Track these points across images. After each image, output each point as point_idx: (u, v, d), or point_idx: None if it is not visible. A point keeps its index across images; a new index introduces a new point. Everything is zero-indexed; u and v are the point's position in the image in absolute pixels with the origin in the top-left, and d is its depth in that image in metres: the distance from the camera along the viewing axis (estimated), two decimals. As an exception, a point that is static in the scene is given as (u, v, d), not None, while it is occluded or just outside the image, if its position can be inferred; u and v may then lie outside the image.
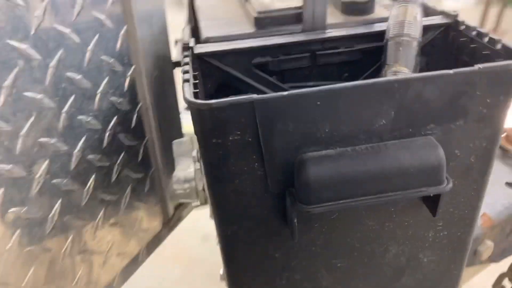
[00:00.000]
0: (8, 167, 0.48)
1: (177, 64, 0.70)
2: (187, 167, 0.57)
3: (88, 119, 0.59)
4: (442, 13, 0.61)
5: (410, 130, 0.47)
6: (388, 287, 0.62)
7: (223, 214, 0.51)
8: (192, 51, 0.55)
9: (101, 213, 0.65)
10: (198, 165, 0.56)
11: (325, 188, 0.46)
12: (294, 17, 0.61)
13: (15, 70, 0.47)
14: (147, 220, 0.76)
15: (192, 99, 0.43)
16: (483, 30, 0.54)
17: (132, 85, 0.66)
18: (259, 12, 0.61)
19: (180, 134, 0.80)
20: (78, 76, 0.56)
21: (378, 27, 0.60)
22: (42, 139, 0.52)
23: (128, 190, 0.70)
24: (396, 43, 0.54)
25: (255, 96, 0.43)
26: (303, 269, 0.57)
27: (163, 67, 0.72)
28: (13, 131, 0.49)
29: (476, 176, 0.53)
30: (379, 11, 0.64)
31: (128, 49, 0.63)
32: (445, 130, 0.48)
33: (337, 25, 0.61)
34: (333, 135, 0.46)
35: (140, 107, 0.68)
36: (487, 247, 0.81)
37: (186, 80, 0.48)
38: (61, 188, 0.57)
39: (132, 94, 0.66)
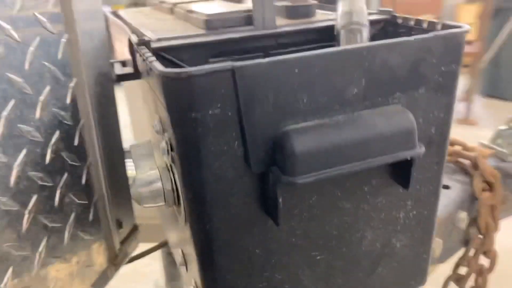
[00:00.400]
0: None
1: (121, 77, 0.67)
2: (149, 169, 0.52)
3: (29, 129, 0.52)
4: (379, 10, 0.66)
5: (380, 99, 0.49)
6: (365, 281, 0.60)
7: (201, 206, 0.47)
8: (149, 46, 0.53)
9: (44, 242, 0.56)
10: (163, 164, 0.52)
11: (311, 158, 0.44)
12: (244, 19, 0.62)
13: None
14: (92, 255, 0.67)
15: (169, 70, 0.41)
16: (420, 18, 0.59)
17: (75, 99, 0.60)
18: (209, 15, 0.61)
19: (123, 161, 0.74)
20: (19, 79, 0.50)
21: (325, 23, 0.63)
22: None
23: (72, 218, 0.61)
24: (347, 31, 0.57)
25: (235, 63, 0.41)
26: (284, 267, 0.54)
27: (105, 85, 0.67)
28: None
29: (436, 149, 0.56)
30: (319, 15, 0.68)
31: (70, 59, 0.59)
32: (409, 99, 0.50)
33: (286, 25, 0.62)
34: (311, 106, 0.46)
35: (83, 125, 0.62)
36: (438, 243, 0.84)
37: (153, 61, 0.45)
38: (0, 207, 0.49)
39: (75, 109, 0.61)
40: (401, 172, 0.53)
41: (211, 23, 0.61)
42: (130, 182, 0.74)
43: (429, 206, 0.60)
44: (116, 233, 0.72)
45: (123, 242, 0.75)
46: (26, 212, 0.53)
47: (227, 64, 0.41)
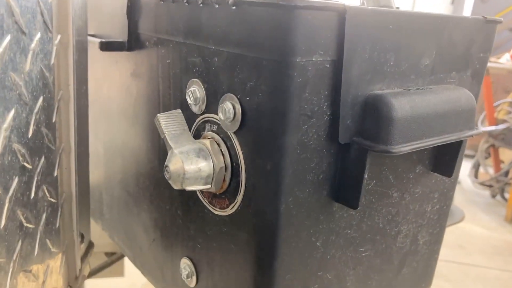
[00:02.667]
0: None
1: (107, 46, 0.53)
2: (188, 143, 0.41)
3: (20, 83, 0.38)
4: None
5: (441, 75, 0.47)
6: (391, 283, 0.55)
7: (276, 183, 0.37)
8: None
9: (18, 247, 0.40)
10: (207, 142, 0.41)
11: (406, 126, 0.39)
12: None
13: None
14: (55, 272, 0.50)
15: (280, -2, 0.33)
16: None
17: (58, 60, 0.46)
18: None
19: (88, 158, 0.59)
20: (19, 19, 0.36)
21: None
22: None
23: (43, 219, 0.45)
24: (377, 16, 0.55)
25: (347, 4, 0.35)
26: (335, 265, 0.46)
27: (83, 53, 0.53)
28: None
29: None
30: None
31: (58, 11, 0.45)
32: (460, 80, 0.49)
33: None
34: (394, 70, 0.41)
35: (61, 97, 0.48)
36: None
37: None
38: (-17, 185, 0.33)
39: (57, 72, 0.46)
40: (445, 157, 0.51)
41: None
42: (153, 161, 0.59)
43: (448, 200, 0.58)
44: (78, 248, 0.55)
45: (82, 261, 0.58)
46: (7, 199, 0.37)
47: (339, 3, 0.35)
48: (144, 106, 0.53)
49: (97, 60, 0.62)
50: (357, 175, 0.40)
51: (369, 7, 0.37)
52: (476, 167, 2.92)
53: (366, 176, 0.40)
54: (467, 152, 3.21)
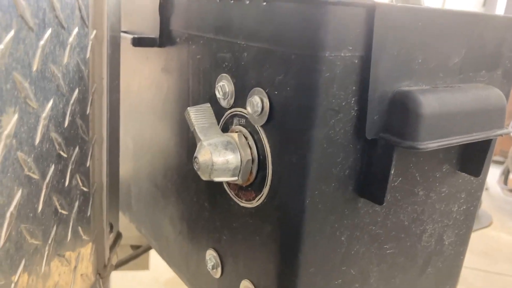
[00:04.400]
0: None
1: (139, 42, 0.55)
2: (216, 136, 0.42)
3: (58, 75, 0.40)
4: None
5: (470, 74, 0.46)
6: (415, 283, 0.55)
7: (303, 176, 0.38)
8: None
9: (53, 232, 0.42)
10: (235, 135, 0.42)
11: (434, 123, 0.39)
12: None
13: None
14: (85, 260, 0.52)
15: (311, -7, 0.33)
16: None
17: (93, 54, 0.48)
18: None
19: (118, 149, 0.61)
20: (59, 14, 0.38)
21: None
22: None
23: (76, 208, 0.47)
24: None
25: (376, 1, 0.36)
26: (359, 260, 0.46)
27: (116, 48, 0.55)
28: None
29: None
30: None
31: (93, 7, 0.47)
32: (490, 79, 0.49)
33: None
34: (422, 68, 0.41)
35: (95, 90, 0.49)
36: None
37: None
38: (23, 170, 0.35)
39: (92, 66, 0.48)
40: (473, 157, 0.50)
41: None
42: (182, 154, 0.60)
43: (475, 201, 0.58)
44: (107, 237, 0.57)
45: (110, 250, 0.60)
46: (44, 185, 0.39)
47: (369, 0, 0.35)
48: (174, 100, 0.55)
49: (129, 56, 0.64)
50: (383, 171, 0.40)
51: (399, 4, 0.37)
52: (505, 174, 2.85)
53: (392, 172, 0.40)
54: (496, 158, 3.14)
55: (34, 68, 0.35)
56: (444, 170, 0.50)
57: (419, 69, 0.41)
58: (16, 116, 0.33)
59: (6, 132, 0.31)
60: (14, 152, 0.33)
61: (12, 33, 0.31)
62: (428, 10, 0.40)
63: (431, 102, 0.39)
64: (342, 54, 0.35)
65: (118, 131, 0.58)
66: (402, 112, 0.39)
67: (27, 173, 0.35)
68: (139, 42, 0.54)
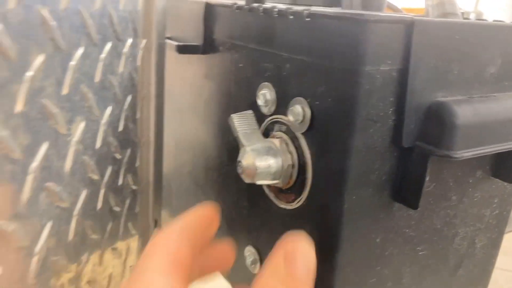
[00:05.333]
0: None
1: (183, 49, 0.58)
2: (258, 141, 0.45)
3: (115, 83, 0.43)
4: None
5: (506, 83, 0.48)
6: (446, 283, 0.57)
7: (341, 182, 0.40)
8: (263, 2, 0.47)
9: (109, 227, 0.45)
10: (276, 141, 0.45)
11: (469, 132, 0.41)
12: (332, 1, 0.59)
13: None
14: (132, 254, 0.55)
15: (356, 12, 0.36)
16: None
17: (143, 61, 0.51)
18: (297, -11, 0.57)
19: (162, 149, 0.64)
20: (117, 26, 0.41)
21: (408, 15, 0.61)
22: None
23: (127, 205, 0.51)
24: (442, 22, 0.56)
25: (415, 17, 0.38)
26: (393, 261, 0.48)
27: (161, 56, 0.59)
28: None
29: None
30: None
31: (144, 15, 0.51)
32: (525, 88, 0.50)
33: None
34: (458, 79, 0.43)
35: (144, 96, 0.53)
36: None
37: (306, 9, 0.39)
38: (87, 172, 0.38)
39: (142, 73, 0.52)
40: (507, 163, 0.51)
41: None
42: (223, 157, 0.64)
43: (508, 206, 0.59)
44: (152, 231, 0.61)
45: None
46: (102, 185, 0.42)
47: (407, 16, 0.37)
48: (215, 105, 0.58)
49: (171, 61, 0.67)
50: (418, 177, 0.42)
51: (437, 19, 0.39)
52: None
53: (427, 179, 0.42)
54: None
55: (97, 79, 0.38)
56: (477, 176, 0.52)
57: (455, 80, 0.43)
58: (83, 124, 0.36)
59: (75, 139, 0.35)
60: (80, 156, 0.37)
61: (81, 50, 0.34)
62: (465, 24, 0.42)
63: (466, 112, 0.41)
64: (382, 68, 0.37)
65: (162, 133, 0.62)
66: (437, 122, 0.41)
67: (90, 174, 0.39)
68: (183, 49, 0.57)
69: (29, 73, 0.27)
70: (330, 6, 0.59)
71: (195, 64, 0.61)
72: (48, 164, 0.31)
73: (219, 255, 0.38)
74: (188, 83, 0.64)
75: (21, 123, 0.27)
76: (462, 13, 0.63)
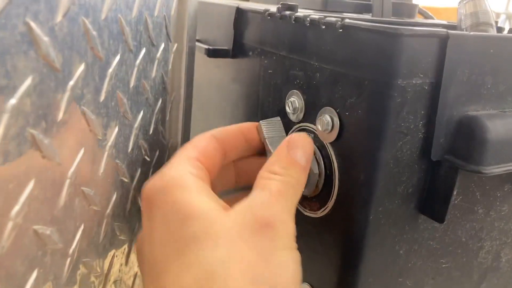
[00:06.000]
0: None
1: (214, 53, 0.59)
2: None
3: (148, 88, 0.44)
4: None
5: (539, 98, 0.47)
6: (469, 297, 0.56)
7: (369, 193, 0.41)
8: (296, 10, 0.47)
9: (136, 228, 0.46)
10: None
11: (500, 148, 0.41)
12: (361, 6, 0.58)
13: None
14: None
15: (390, 25, 0.36)
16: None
17: (173, 66, 0.52)
18: (328, -4, 0.57)
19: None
20: (151, 32, 0.42)
21: (440, 22, 0.61)
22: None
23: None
24: (475, 32, 0.55)
25: (449, 31, 0.37)
26: (416, 273, 0.48)
27: (192, 59, 0.59)
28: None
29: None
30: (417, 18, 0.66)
31: (177, 19, 0.51)
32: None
33: (401, 19, 0.60)
34: (491, 93, 0.43)
35: (173, 99, 0.54)
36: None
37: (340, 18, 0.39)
38: (118, 175, 0.39)
39: (172, 76, 0.52)
40: (534, 179, 0.51)
41: (331, 5, 0.56)
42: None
43: (536, 220, 0.58)
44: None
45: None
46: (132, 187, 0.43)
47: (442, 30, 0.37)
48: (243, 109, 0.58)
49: (200, 62, 0.68)
50: (446, 191, 0.42)
51: (471, 33, 0.39)
52: None
53: (455, 193, 0.42)
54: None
55: (131, 85, 0.39)
56: (505, 189, 0.51)
57: (487, 94, 0.42)
58: (117, 129, 0.37)
59: (109, 144, 0.36)
60: (113, 160, 0.37)
61: (118, 57, 0.35)
62: (500, 38, 0.41)
63: (497, 127, 0.40)
64: (414, 82, 0.37)
65: (189, 135, 0.62)
66: (468, 137, 0.40)
67: (121, 177, 0.40)
68: (213, 53, 0.57)
69: (71, 82, 0.28)
70: (361, 12, 0.59)
71: (223, 67, 0.62)
72: (84, 169, 0.31)
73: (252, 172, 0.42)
74: (215, 85, 0.65)
75: (62, 131, 0.28)
76: (496, 23, 0.62)
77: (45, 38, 0.24)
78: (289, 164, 0.38)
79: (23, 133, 0.24)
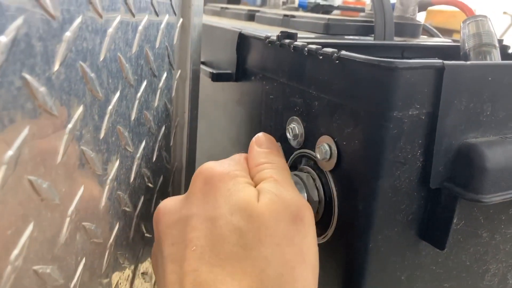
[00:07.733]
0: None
1: (218, 77, 0.60)
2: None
3: (150, 118, 0.45)
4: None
5: (542, 122, 0.47)
6: (475, 319, 0.56)
7: (368, 221, 0.41)
8: (295, 39, 0.48)
9: (140, 253, 0.47)
10: (304, 175, 0.46)
11: (499, 176, 0.40)
12: (363, 28, 0.59)
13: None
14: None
15: (385, 59, 0.36)
16: None
17: (177, 92, 0.53)
18: (329, 19, 0.57)
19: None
20: (151, 57, 0.43)
21: (444, 43, 0.61)
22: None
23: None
24: (477, 53, 0.55)
25: (445, 62, 0.37)
26: (419, 298, 0.48)
27: (196, 83, 0.60)
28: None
29: None
30: (421, 38, 0.66)
31: (180, 47, 0.52)
32: None
33: (403, 41, 0.60)
34: (490, 120, 0.42)
35: (177, 124, 0.55)
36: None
37: (338, 51, 0.40)
38: (120, 206, 0.40)
39: (176, 103, 0.53)
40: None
41: (333, 28, 0.57)
42: None
43: (544, 242, 0.57)
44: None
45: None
46: (135, 216, 0.44)
47: (437, 61, 0.37)
48: (246, 131, 0.59)
49: (205, 85, 0.69)
50: (446, 219, 0.42)
51: (467, 63, 0.39)
52: None
53: (455, 221, 0.42)
54: None
55: (133, 117, 0.40)
56: (510, 212, 0.51)
57: (487, 120, 0.42)
58: (118, 162, 0.38)
59: (110, 177, 0.37)
60: (115, 192, 0.38)
61: (118, 94, 0.36)
62: (498, 65, 0.41)
63: (497, 154, 0.40)
64: (410, 112, 0.38)
65: (195, 157, 0.63)
66: (467, 165, 0.40)
67: (123, 208, 0.41)
68: (217, 77, 0.58)
69: (70, 126, 0.29)
70: (363, 34, 0.59)
71: (227, 90, 0.63)
72: (85, 205, 0.32)
73: None
74: (219, 107, 0.66)
75: (61, 172, 0.28)
76: (500, 41, 0.61)
77: (42, 89, 0.25)
78: (268, 154, 0.43)
79: (21, 181, 0.25)
